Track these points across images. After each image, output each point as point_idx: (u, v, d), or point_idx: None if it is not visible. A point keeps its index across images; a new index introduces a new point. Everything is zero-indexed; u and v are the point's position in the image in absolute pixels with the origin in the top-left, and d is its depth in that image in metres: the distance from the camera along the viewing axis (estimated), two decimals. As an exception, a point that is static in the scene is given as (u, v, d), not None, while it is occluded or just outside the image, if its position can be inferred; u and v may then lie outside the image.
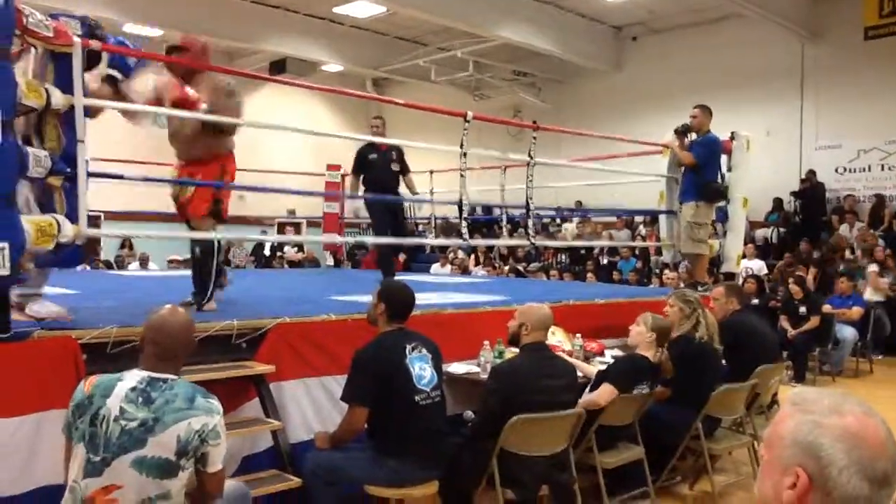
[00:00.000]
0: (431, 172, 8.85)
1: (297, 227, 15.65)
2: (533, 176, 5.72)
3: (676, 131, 6.67)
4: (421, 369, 3.49)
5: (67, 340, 3.27)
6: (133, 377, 2.53)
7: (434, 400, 3.50)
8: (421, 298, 5.26)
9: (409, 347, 3.51)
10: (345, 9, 13.46)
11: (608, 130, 11.82)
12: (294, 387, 3.97)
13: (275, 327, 3.98)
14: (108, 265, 12.37)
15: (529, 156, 5.65)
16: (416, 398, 3.43)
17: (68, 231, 3.45)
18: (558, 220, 14.74)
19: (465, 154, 5.24)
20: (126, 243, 14.34)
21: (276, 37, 14.48)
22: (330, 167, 10.64)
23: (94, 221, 5.92)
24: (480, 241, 6.70)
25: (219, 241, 4.50)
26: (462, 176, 5.31)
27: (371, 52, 15.67)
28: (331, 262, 13.17)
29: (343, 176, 10.38)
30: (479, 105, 16.24)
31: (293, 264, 13.62)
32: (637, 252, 12.82)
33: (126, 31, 13.76)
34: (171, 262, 11.96)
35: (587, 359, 5.01)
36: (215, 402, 2.57)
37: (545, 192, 8.88)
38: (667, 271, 10.79)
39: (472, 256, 13.70)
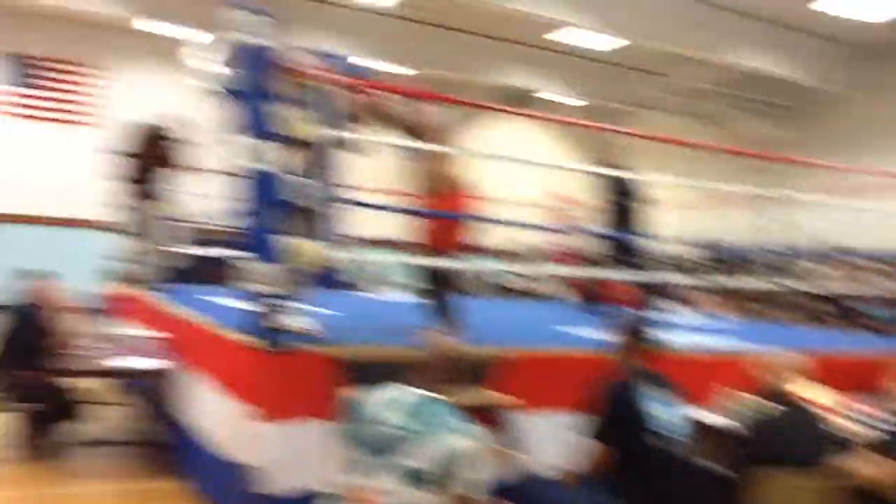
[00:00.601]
0: (676, 207, 8.55)
1: (531, 258, 15.84)
2: (779, 213, 5.34)
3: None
4: (664, 413, 3.36)
5: (325, 356, 3.53)
6: (398, 390, 2.70)
7: (676, 446, 3.34)
8: (664, 338, 5.14)
9: (653, 389, 3.39)
10: (579, 41, 13.52)
11: (861, 161, 10.90)
12: (535, 419, 3.97)
13: (519, 358, 4.02)
14: (355, 287, 13.15)
15: (778, 192, 5.30)
16: (658, 442, 3.30)
17: (326, 255, 3.72)
18: (805, 260, 13.66)
19: (705, 189, 5.02)
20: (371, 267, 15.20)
21: (513, 71, 14.86)
22: (566, 200, 10.64)
23: (346, 246, 6.33)
24: (726, 282, 6.33)
25: (457, 271, 4.58)
26: (704, 212, 5.09)
27: (608, 85, 15.59)
28: (568, 294, 13.11)
29: (585, 209, 10.33)
30: (719, 137, 15.58)
31: (526, 295, 13.71)
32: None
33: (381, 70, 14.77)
34: (408, 287, 12.51)
35: (848, 416, 4.57)
36: (477, 428, 2.65)
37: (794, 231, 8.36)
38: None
39: (716, 297, 13.01)
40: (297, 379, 3.45)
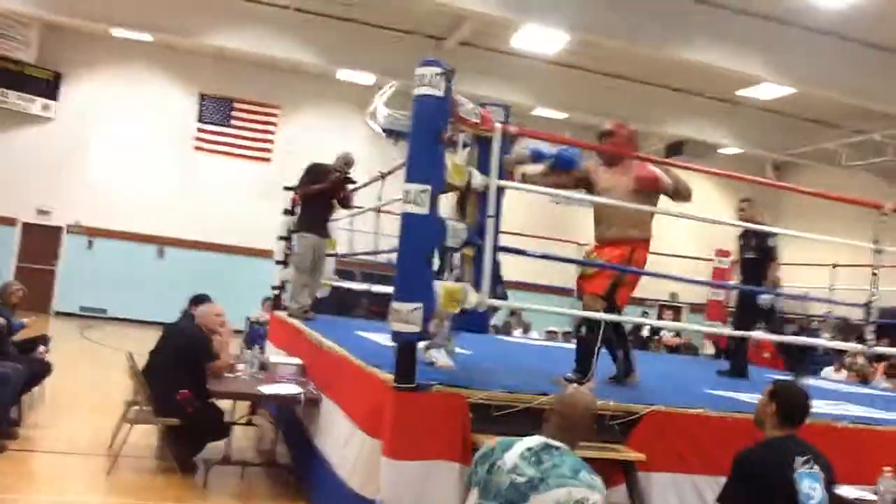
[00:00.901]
0: (834, 266, 8.09)
1: (676, 311, 15.36)
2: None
3: None
4: (811, 488, 3.13)
5: (459, 398, 3.58)
6: (532, 440, 2.72)
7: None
8: (821, 406, 4.84)
9: (800, 460, 3.17)
10: (749, 91, 13.06)
11: None
12: (663, 480, 3.84)
13: (649, 414, 3.91)
14: (496, 329, 13.28)
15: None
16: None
17: (473, 298, 3.81)
18: None
19: (879, 251, 4.71)
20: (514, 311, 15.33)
21: (675, 119, 14.59)
22: (719, 252, 10.29)
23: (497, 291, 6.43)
24: (888, 350, 5.86)
25: (606, 322, 4.51)
26: (874, 274, 4.77)
27: (773, 135, 14.96)
28: (711, 350, 12.63)
29: (732, 263, 9.99)
30: (894, 192, 14.50)
31: (670, 349, 13.30)
32: None
33: (535, 114, 14.98)
34: (548, 332, 12.47)
35: None
36: (599, 481, 2.63)
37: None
38: None
39: (879, 365, 12.04)
40: (428, 418, 3.52)
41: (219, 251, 13.99)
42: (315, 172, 6.92)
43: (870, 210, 4.80)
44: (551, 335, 12.29)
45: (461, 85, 13.19)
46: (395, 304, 3.44)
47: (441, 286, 3.57)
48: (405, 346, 3.47)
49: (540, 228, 14.45)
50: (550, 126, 15.16)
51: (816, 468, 3.19)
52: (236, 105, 14.26)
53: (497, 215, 3.92)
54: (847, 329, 14.55)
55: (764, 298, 6.50)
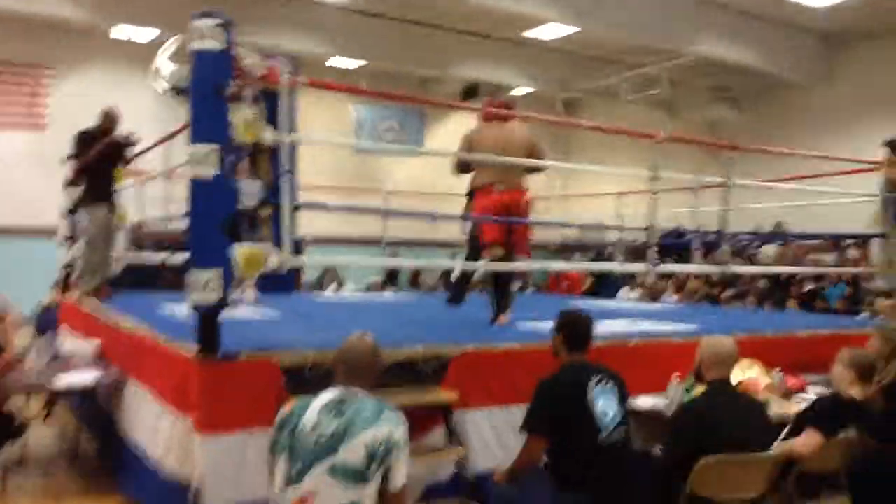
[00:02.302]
0: (619, 194, 8.67)
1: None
2: (729, 198, 5.43)
3: (888, 144, 6.08)
4: (605, 405, 3.38)
5: (268, 363, 3.50)
6: (327, 394, 2.72)
7: (619, 437, 3.37)
8: (606, 326, 5.18)
9: (593, 381, 3.41)
10: (535, 32, 13.52)
11: (815, 147, 11.06)
12: (478, 416, 4.00)
13: (459, 356, 4.04)
14: (309, 287, 13.10)
15: (726, 178, 5.38)
16: (600, 435, 3.32)
17: (275, 259, 3.70)
18: (756, 244, 13.87)
19: (655, 178, 5.07)
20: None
21: (468, 62, 14.83)
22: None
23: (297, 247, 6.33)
24: (671, 267, 6.39)
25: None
26: (652, 199, 5.14)
27: (561, 73, 15.62)
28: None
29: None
30: (674, 123, 15.70)
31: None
32: (846, 278, 11.75)
33: (331, 64, 14.70)
34: (372, 284, 12.50)
35: (788, 396, 4.67)
36: (400, 415, 2.70)
37: (743, 213, 8.44)
38: (881, 299, 9.79)
39: (669, 282, 13.19)
40: (238, 388, 3.42)
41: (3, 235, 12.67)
42: (86, 139, 6.40)
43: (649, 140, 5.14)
44: (377, 286, 12.35)
45: (250, 36, 12.70)
46: (193, 272, 3.28)
47: (238, 250, 3.43)
48: (206, 316, 3.33)
49: (346, 180, 14.45)
50: (347, 76, 14.96)
51: (609, 384, 3.45)
52: (-3, 69, 12.81)
53: (292, 171, 3.82)
54: (637, 252, 15.82)
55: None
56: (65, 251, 7.48)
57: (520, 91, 16.43)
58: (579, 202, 15.18)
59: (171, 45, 5.94)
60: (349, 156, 15.42)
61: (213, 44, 3.22)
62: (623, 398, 3.48)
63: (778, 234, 13.00)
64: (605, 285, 14.01)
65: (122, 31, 12.54)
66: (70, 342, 6.13)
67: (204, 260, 3.27)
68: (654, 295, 12.44)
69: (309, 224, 12.81)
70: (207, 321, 3.33)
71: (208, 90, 3.22)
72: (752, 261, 13.24)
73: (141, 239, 7.84)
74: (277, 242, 3.73)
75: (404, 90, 15.75)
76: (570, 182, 17.46)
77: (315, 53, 13.96)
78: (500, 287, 5.45)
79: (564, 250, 17.16)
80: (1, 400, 4.63)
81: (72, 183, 6.94)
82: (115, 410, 4.77)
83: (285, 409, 2.72)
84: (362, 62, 14.64)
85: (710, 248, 13.33)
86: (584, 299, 10.36)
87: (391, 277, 14.87)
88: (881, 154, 6.25)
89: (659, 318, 6.28)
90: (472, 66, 14.90)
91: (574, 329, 3.55)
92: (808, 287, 12.34)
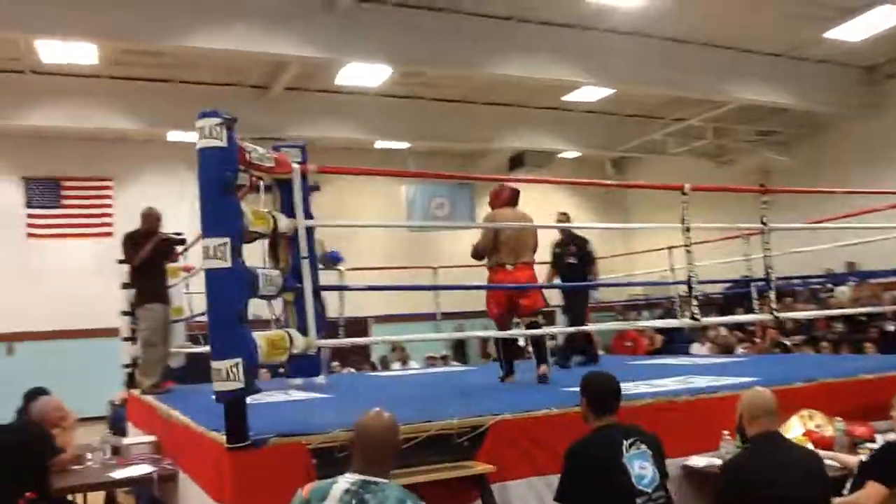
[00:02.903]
0: (670, 249, 8.49)
1: (550, 316, 15.72)
2: (770, 242, 5.29)
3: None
4: (641, 468, 3.25)
5: (298, 446, 3.50)
6: (346, 480, 2.64)
7: (657, 502, 3.23)
8: (658, 385, 5.05)
9: (625, 444, 3.29)
10: (573, 96, 13.66)
11: (871, 180, 10.73)
12: (517, 487, 3.89)
13: (496, 424, 3.96)
14: (373, 366, 13.15)
15: (762, 222, 5.25)
16: (638, 500, 3.19)
17: (300, 343, 3.76)
18: (829, 286, 13.37)
19: (688, 229, 4.99)
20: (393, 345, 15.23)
21: (512, 133, 15.03)
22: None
23: (334, 329, 6.47)
24: (710, 320, 6.20)
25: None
26: (688, 252, 5.05)
27: (605, 134, 15.68)
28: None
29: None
30: (722, 171, 15.51)
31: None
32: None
33: (379, 146, 15.11)
34: (428, 359, 12.48)
35: (854, 445, 4.41)
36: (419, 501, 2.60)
37: (807, 255, 8.27)
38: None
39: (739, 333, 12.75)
40: (268, 473, 3.42)
41: (73, 337, 13.19)
42: (133, 241, 6.68)
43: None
44: (431, 361, 12.31)
45: (294, 129, 13.18)
46: (214, 363, 3.34)
47: (261, 337, 3.49)
48: (231, 404, 3.37)
49: (402, 257, 14.60)
50: (395, 157, 15.32)
51: (643, 447, 3.32)
52: (64, 184, 13.57)
53: (311, 256, 3.90)
54: (704, 304, 15.38)
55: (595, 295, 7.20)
56: (126, 349, 7.72)
57: (567, 155, 16.54)
58: (641, 260, 14.99)
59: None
60: (404, 234, 15.65)
61: (216, 141, 3.35)
62: (659, 459, 3.35)
63: (850, 274, 12.52)
64: (676, 341, 13.64)
65: (176, 135, 13.18)
66: (132, 436, 6.29)
67: (224, 349, 3.32)
68: (725, 348, 12.03)
69: (370, 304, 13.04)
70: (233, 409, 3.37)
71: (215, 185, 3.34)
72: (825, 304, 12.75)
73: (195, 331, 8.04)
74: (302, 325, 3.79)
75: (452, 165, 16.05)
76: (631, 241, 17.28)
77: (360, 139, 14.40)
78: (536, 346, 6.12)
79: (631, 309, 16.85)
80: (65, 493, 4.79)
81: (127, 285, 7.22)
82: (169, 500, 4.84)
83: (302, 494, 2.69)
84: (406, 144, 14.99)
85: (779, 295, 12.92)
86: (649, 358, 10.11)
87: (458, 350, 14.83)
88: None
89: (715, 373, 6.07)
90: (517, 135, 15.10)
91: (598, 392, 3.46)
92: (890, 328, 11.77)
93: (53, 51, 10.16)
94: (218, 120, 3.36)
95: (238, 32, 9.63)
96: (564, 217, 8.03)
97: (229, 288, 3.35)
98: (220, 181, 3.32)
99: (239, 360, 3.31)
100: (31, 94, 11.65)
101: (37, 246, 13.51)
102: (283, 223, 3.79)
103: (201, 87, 12.23)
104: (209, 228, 3.34)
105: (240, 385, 3.32)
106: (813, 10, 10.58)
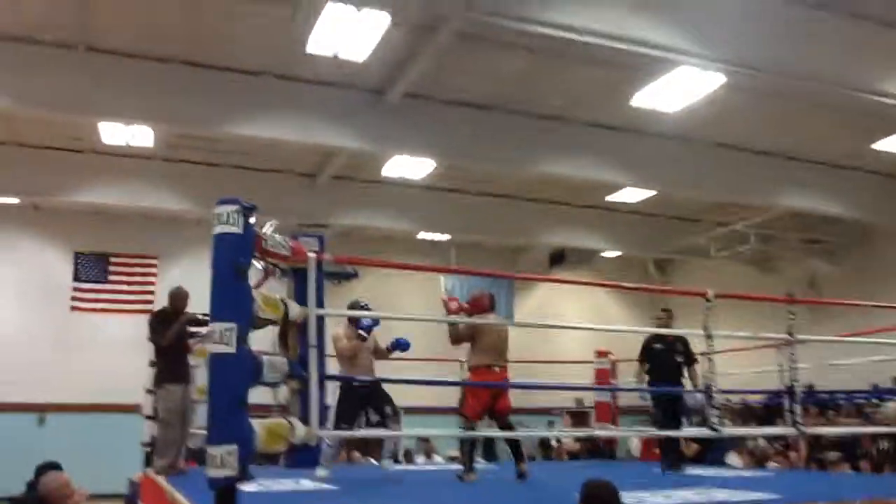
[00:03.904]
0: (703, 355, 8.31)
1: (583, 417, 15.40)
2: (796, 355, 5.14)
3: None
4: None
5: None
6: None
7: None
8: (676, 496, 4.87)
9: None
10: (616, 196, 13.71)
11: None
12: None
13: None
14: (396, 459, 12.87)
15: (789, 333, 5.12)
16: None
17: (301, 432, 3.73)
18: (875, 401, 12.82)
19: (710, 336, 4.90)
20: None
21: (553, 230, 15.10)
22: (600, 353, 10.47)
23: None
24: (730, 431, 5.98)
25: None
26: (710, 360, 4.95)
27: (647, 234, 15.64)
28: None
29: (614, 362, 10.21)
30: (767, 278, 15.23)
31: (572, 455, 13.22)
32: None
33: (421, 237, 15.30)
34: (451, 457, 12.21)
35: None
36: None
37: (854, 368, 8.02)
38: None
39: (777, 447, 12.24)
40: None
41: (104, 411, 13.32)
42: (161, 320, 6.77)
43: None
44: (454, 460, 12.00)
45: (339, 217, 13.41)
46: (210, 448, 3.33)
47: (260, 424, 3.48)
48: (221, 492, 3.33)
49: (439, 351, 14.50)
50: (437, 248, 15.46)
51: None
52: (112, 260, 14.00)
53: (320, 345, 3.91)
54: (745, 413, 14.88)
55: (696, 398, 6.95)
56: (146, 427, 7.75)
57: (609, 254, 16.49)
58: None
59: (267, 229, 6.39)
60: (439, 326, 15.58)
61: (232, 228, 3.43)
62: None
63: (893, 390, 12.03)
64: (713, 450, 13.15)
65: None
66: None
67: (220, 435, 3.31)
68: (759, 460, 11.56)
69: (396, 393, 12.91)
70: (223, 498, 3.33)
71: (228, 270, 3.41)
72: (871, 420, 12.22)
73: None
74: (304, 415, 3.77)
75: (494, 258, 16.12)
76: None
77: (403, 229, 14.61)
78: (515, 446, 6.57)
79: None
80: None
81: (153, 363, 7.29)
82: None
83: None
84: (447, 236, 15.15)
85: (822, 408, 12.48)
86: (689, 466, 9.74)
87: (488, 448, 14.52)
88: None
89: (740, 487, 5.82)
90: (558, 233, 15.16)
91: (598, 500, 3.34)
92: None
93: (114, 133, 10.64)
94: (236, 207, 3.45)
95: (292, 123, 10.04)
96: (665, 314, 7.83)
97: (231, 373, 3.37)
98: (233, 266, 3.38)
99: (234, 446, 3.30)
100: (89, 172, 12.16)
101: (79, 319, 13.84)
102: (295, 311, 3.82)
103: (251, 172, 12.63)
104: (218, 313, 3.39)
105: (232, 472, 3.29)
106: (863, 121, 10.54)
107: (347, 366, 6.50)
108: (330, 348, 4.12)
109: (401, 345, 6.93)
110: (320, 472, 6.10)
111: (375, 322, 6.49)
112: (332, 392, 6.26)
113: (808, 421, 5.23)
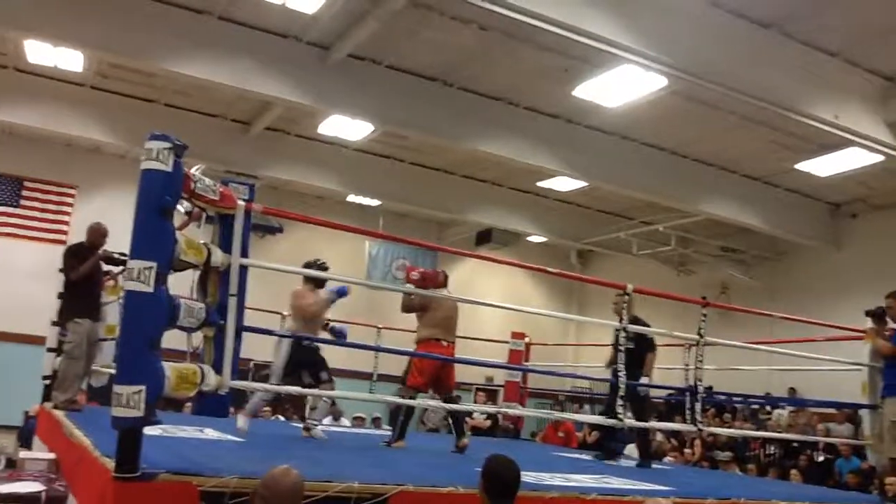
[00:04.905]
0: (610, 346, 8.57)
1: (490, 394, 15.65)
2: (703, 356, 5.35)
3: (870, 314, 6.00)
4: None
5: (188, 486, 3.39)
6: None
7: None
8: (574, 480, 5.01)
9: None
10: (548, 183, 13.91)
11: (824, 311, 10.95)
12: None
13: (397, 494, 3.88)
14: (303, 418, 12.85)
15: (699, 334, 5.32)
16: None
17: (211, 380, 3.68)
18: (768, 407, 13.49)
19: (624, 329, 5.06)
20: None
21: (483, 209, 15.22)
22: (514, 335, 10.65)
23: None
24: (632, 423, 6.15)
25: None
26: (620, 352, 5.11)
27: (573, 224, 15.94)
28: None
29: (528, 345, 10.40)
30: (681, 280, 15.73)
31: (478, 431, 13.43)
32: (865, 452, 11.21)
33: (351, 200, 15.18)
34: (355, 419, 12.26)
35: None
36: None
37: (752, 374, 8.31)
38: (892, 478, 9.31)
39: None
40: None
41: (5, 340, 12.84)
42: (75, 254, 6.57)
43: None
44: (358, 422, 12.07)
45: (269, 170, 13.18)
46: (116, 387, 3.26)
47: (171, 367, 3.42)
48: (126, 433, 3.27)
49: (360, 313, 14.48)
50: (367, 212, 15.39)
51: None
52: (27, 185, 13.42)
53: (241, 294, 3.86)
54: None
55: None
56: (49, 360, 7.50)
57: (534, 239, 16.72)
58: (589, 352, 15.06)
59: (196, 170, 6.21)
60: (362, 290, 15.56)
61: (161, 165, 3.34)
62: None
63: (785, 399, 12.65)
64: (612, 440, 13.57)
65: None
66: (32, 452, 6.06)
67: (129, 374, 3.25)
68: (659, 454, 12.00)
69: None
70: (127, 438, 3.27)
71: (152, 208, 3.32)
72: (763, 426, 12.84)
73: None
74: (218, 364, 3.73)
75: (421, 229, 16.15)
76: (583, 332, 17.40)
77: (334, 190, 14.47)
78: (456, 420, 6.73)
79: (574, 401, 16.85)
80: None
81: (62, 295, 7.06)
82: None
83: None
84: (378, 202, 15.09)
85: (719, 410, 13.02)
86: (578, 452, 10.03)
87: (394, 415, 14.60)
88: (869, 323, 6.16)
89: (634, 477, 6.04)
90: (487, 212, 15.28)
91: (498, 477, 3.41)
92: (820, 458, 11.85)
93: (40, 52, 10.16)
94: (167, 144, 3.36)
95: (231, 67, 9.74)
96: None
97: (146, 313, 3.29)
98: (159, 205, 3.29)
99: (143, 387, 3.23)
100: (9, 90, 11.58)
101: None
102: (218, 257, 3.75)
103: (184, 112, 12.27)
104: (138, 250, 3.30)
105: (138, 413, 3.23)
106: (791, 141, 10.96)
107: (303, 325, 6.39)
108: (252, 299, 4.05)
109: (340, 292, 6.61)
110: (240, 422, 6.03)
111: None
112: (283, 347, 6.26)
113: (705, 421, 5.45)
